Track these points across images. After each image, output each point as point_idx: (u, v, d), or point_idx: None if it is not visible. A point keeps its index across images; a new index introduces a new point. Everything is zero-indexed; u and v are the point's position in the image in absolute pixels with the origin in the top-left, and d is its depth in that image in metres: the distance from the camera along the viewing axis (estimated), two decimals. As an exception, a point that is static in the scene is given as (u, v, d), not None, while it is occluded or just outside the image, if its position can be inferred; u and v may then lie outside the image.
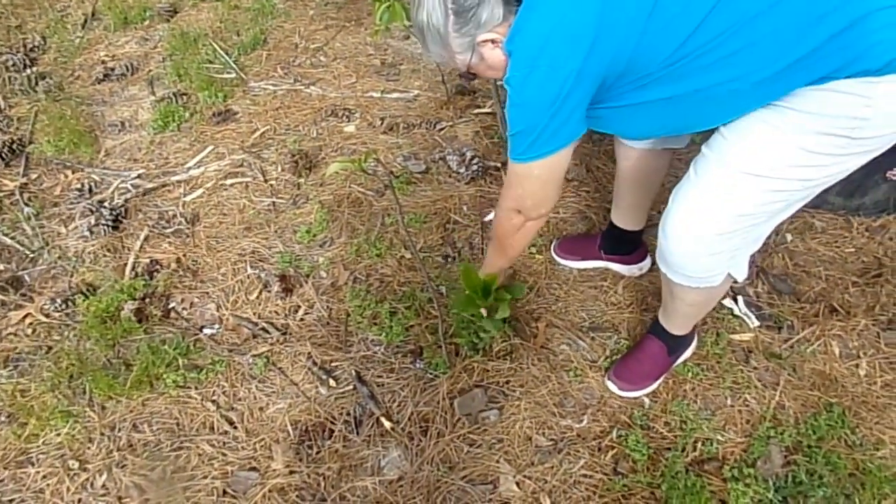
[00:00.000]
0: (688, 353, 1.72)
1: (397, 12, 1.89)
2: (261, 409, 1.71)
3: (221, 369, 1.79)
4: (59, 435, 1.67)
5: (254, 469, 1.60)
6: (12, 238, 2.19)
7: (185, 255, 2.12)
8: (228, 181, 2.37)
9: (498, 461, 1.58)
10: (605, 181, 2.27)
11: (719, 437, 1.59)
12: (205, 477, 1.58)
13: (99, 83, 2.89)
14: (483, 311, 1.55)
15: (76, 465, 1.62)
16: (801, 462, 1.53)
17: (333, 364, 1.80)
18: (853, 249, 2.01)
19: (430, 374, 1.75)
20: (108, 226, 2.19)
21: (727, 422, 1.63)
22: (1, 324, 1.94)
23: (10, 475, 1.61)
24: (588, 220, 2.15)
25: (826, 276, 1.94)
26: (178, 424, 1.69)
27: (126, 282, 2.01)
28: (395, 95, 2.71)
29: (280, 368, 1.80)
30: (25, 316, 1.95)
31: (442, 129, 2.53)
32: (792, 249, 2.01)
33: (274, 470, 1.59)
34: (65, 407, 1.72)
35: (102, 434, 1.67)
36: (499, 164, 2.36)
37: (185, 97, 2.75)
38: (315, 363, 1.80)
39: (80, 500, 1.56)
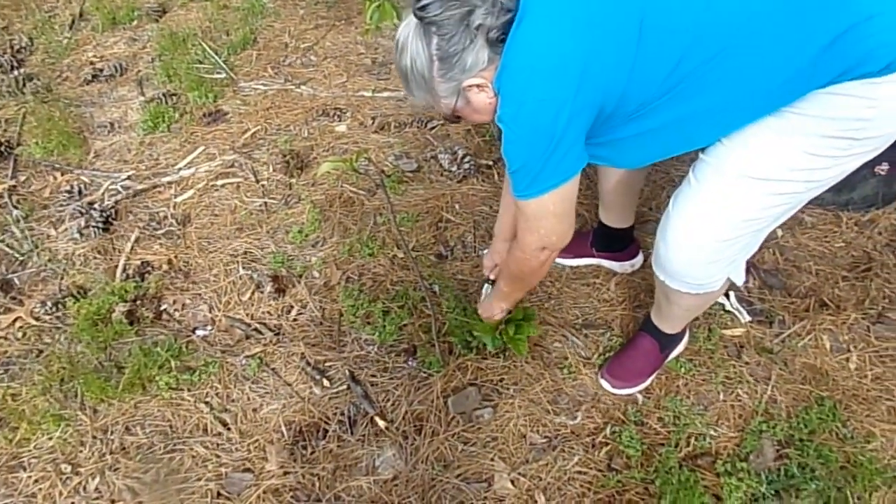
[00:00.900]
0: (680, 349, 1.73)
1: (387, 11, 1.88)
2: (254, 410, 1.71)
3: (214, 371, 1.78)
4: (50, 439, 1.66)
5: (248, 470, 1.59)
6: (1, 241, 2.18)
7: (176, 257, 2.11)
8: (219, 182, 2.36)
9: (492, 459, 1.58)
10: (596, 178, 2.27)
11: (712, 432, 1.60)
12: (199, 479, 1.58)
13: (87, 84, 2.87)
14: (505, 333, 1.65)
15: (68, 468, 1.61)
16: (793, 455, 1.54)
17: (327, 364, 1.80)
18: (843, 244, 2.03)
19: (424, 372, 1.75)
20: (98, 228, 2.17)
21: (720, 417, 1.64)
22: (-9, 327, 1.93)
23: (1, 480, 1.59)
24: (580, 218, 2.15)
25: (816, 271, 1.95)
26: (171, 427, 1.68)
27: (117, 284, 2.00)
28: (386, 94, 2.71)
29: (273, 369, 1.79)
30: (15, 319, 1.94)
31: (433, 127, 2.53)
32: (782, 245, 2.02)
33: (268, 471, 1.58)
34: (56, 410, 1.71)
35: (95, 437, 1.66)
36: (490, 163, 2.36)
37: (174, 98, 2.74)
38: (308, 363, 1.79)
39: (72, 504, 1.55)
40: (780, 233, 2.04)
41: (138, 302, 1.95)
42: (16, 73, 2.89)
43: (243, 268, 2.05)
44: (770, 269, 1.96)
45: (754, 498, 1.48)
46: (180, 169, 2.43)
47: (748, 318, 1.83)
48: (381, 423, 1.65)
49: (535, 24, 1.10)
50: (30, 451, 1.65)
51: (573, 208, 1.29)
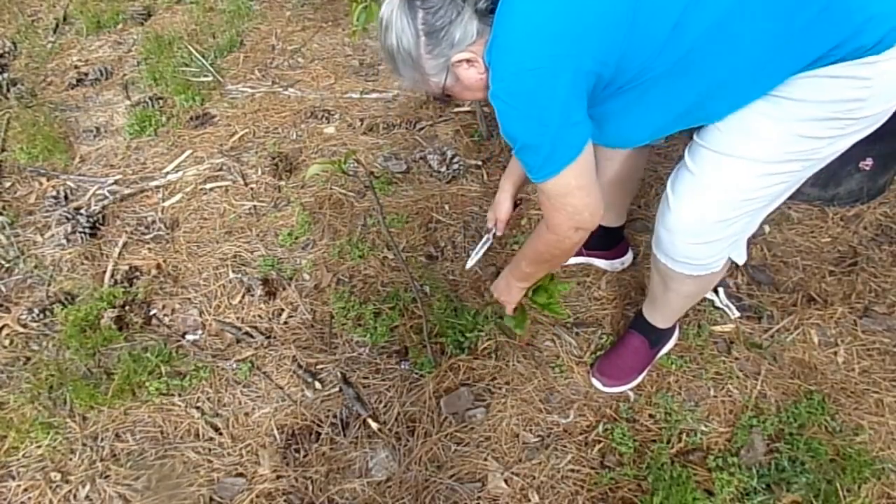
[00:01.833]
0: (670, 345, 1.74)
1: (374, 13, 1.88)
2: (246, 414, 1.70)
3: (205, 375, 1.77)
4: (39, 447, 1.64)
5: (240, 475, 1.58)
6: (-13, 248, 2.15)
7: (165, 261, 2.09)
8: (208, 185, 2.35)
9: (486, 459, 1.58)
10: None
11: (703, 428, 1.61)
12: (191, 485, 1.57)
13: (72, 88, 2.85)
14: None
15: (58, 477, 1.59)
16: (783, 449, 1.55)
17: (318, 367, 1.80)
18: (829, 239, 2.05)
19: (416, 373, 1.75)
20: (85, 233, 2.15)
21: (710, 412, 1.65)
22: (-23, 336, 1.91)
23: (-10, 489, 1.58)
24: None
25: (803, 266, 1.97)
26: (161, 432, 1.67)
27: (105, 289, 1.99)
28: (374, 96, 2.70)
29: (265, 373, 1.78)
30: (2, 327, 1.92)
31: (422, 128, 2.53)
32: (769, 240, 2.04)
33: (261, 475, 1.58)
34: (45, 418, 1.69)
35: (84, 445, 1.65)
36: (479, 163, 2.36)
37: (161, 101, 2.72)
38: (300, 366, 1.79)
39: (63, 513, 1.54)
40: (767, 229, 2.06)
41: (127, 307, 1.94)
42: (-1, 78, 2.86)
43: (233, 271, 2.05)
44: (758, 264, 1.98)
45: (745, 492, 1.49)
46: (168, 173, 2.41)
47: (737, 314, 1.84)
48: (374, 425, 1.65)
49: None
50: (18, 459, 1.63)
51: (595, 177, 1.20)
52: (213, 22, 3.20)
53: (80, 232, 2.15)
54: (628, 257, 1.96)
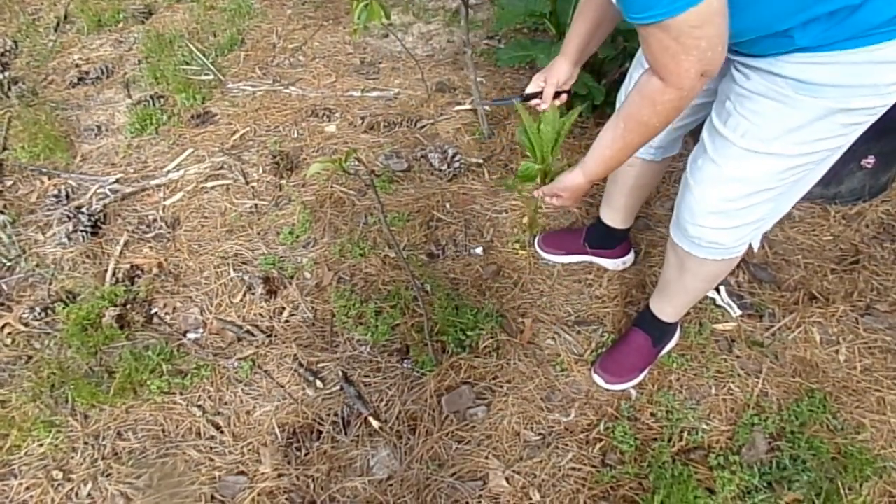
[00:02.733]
0: (671, 344, 1.74)
1: (375, 11, 1.88)
2: (247, 412, 1.70)
3: (206, 374, 1.77)
4: (41, 445, 1.64)
5: (242, 473, 1.59)
6: (-12, 247, 2.16)
7: (166, 260, 2.09)
8: (209, 184, 2.35)
9: (487, 457, 1.58)
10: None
11: (704, 426, 1.61)
12: (192, 483, 1.57)
13: (73, 87, 2.85)
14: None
15: (60, 475, 1.59)
16: (784, 448, 1.55)
17: (320, 365, 1.80)
18: (831, 237, 2.04)
19: (417, 372, 1.75)
20: (86, 232, 2.16)
21: (712, 410, 1.65)
22: (-21, 334, 1.91)
23: (-8, 488, 1.58)
24: (569, 214, 2.16)
25: (805, 264, 1.97)
26: (163, 431, 1.67)
27: (106, 288, 1.99)
28: (375, 94, 2.70)
29: (266, 371, 1.79)
30: (4, 326, 1.92)
31: (423, 126, 2.53)
32: (771, 238, 2.04)
33: (262, 473, 1.58)
34: (47, 417, 1.69)
35: (86, 443, 1.65)
36: (480, 161, 2.36)
37: (162, 100, 2.72)
38: (301, 365, 1.79)
39: (65, 511, 1.54)
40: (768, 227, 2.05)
41: (128, 306, 1.94)
42: (0, 76, 2.86)
43: (234, 270, 2.05)
44: (759, 263, 1.97)
45: (747, 490, 1.49)
46: (169, 171, 2.41)
47: (739, 313, 1.84)
48: (375, 424, 1.65)
49: None
50: (20, 458, 1.63)
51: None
52: (213, 20, 3.20)
53: (82, 231, 2.15)
54: (630, 257, 1.97)
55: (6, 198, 2.34)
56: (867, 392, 1.66)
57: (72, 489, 1.57)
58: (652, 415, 1.64)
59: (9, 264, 2.11)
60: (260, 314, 1.93)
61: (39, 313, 1.93)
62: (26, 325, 1.92)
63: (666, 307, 1.64)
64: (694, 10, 0.93)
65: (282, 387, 1.75)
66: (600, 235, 1.93)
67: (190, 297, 1.98)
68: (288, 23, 3.17)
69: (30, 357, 1.84)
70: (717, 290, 1.87)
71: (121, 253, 2.12)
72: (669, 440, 1.59)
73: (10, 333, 1.90)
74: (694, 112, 1.44)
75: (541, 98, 1.47)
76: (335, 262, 2.05)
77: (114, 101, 2.77)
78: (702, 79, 1.05)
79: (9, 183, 2.40)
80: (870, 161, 2.00)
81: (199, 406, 1.72)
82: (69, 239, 2.15)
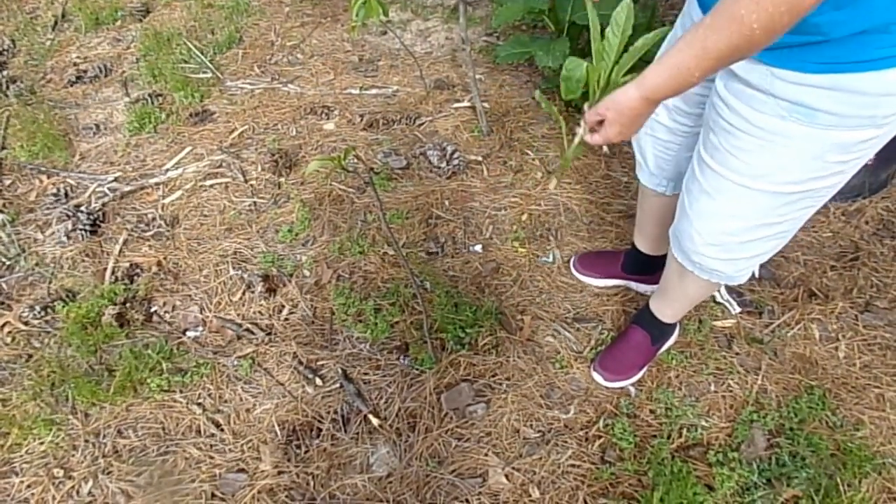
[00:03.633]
0: (670, 342, 1.74)
1: (373, 8, 1.88)
2: (247, 410, 1.71)
3: (206, 372, 1.78)
4: (42, 443, 1.65)
5: (242, 471, 1.59)
6: (-13, 245, 2.16)
7: (165, 258, 2.09)
8: (208, 182, 2.35)
9: (486, 454, 1.58)
10: (587, 172, 2.28)
11: (704, 423, 1.61)
12: (192, 480, 1.57)
13: (71, 86, 2.84)
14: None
15: (61, 473, 1.60)
16: (783, 444, 1.55)
17: (319, 363, 1.80)
18: (830, 234, 2.04)
19: (417, 369, 1.75)
20: (85, 230, 2.16)
21: (711, 407, 1.65)
22: (-22, 333, 1.91)
23: (-7, 486, 1.58)
24: (570, 212, 2.16)
25: (804, 261, 1.97)
26: (163, 429, 1.68)
27: (106, 286, 1.99)
28: (373, 91, 2.70)
29: (266, 369, 1.79)
30: (4, 324, 1.92)
31: (422, 124, 2.52)
32: (770, 235, 2.04)
33: (262, 471, 1.58)
34: (47, 415, 1.70)
35: (87, 441, 1.65)
36: (479, 158, 2.36)
37: (160, 98, 2.72)
38: (301, 362, 1.79)
39: (65, 509, 1.54)
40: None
41: (128, 304, 1.94)
42: (-1, 75, 2.86)
43: (233, 268, 2.05)
44: (759, 259, 1.97)
45: (746, 487, 1.49)
46: (168, 170, 2.41)
47: (738, 310, 1.84)
48: (375, 421, 1.65)
49: None
50: (21, 456, 1.63)
51: None
52: (211, 18, 3.19)
53: (81, 229, 2.15)
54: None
55: (5, 197, 2.34)
56: (866, 389, 1.66)
57: (73, 487, 1.57)
58: (651, 411, 1.64)
59: (8, 263, 2.11)
60: (259, 312, 1.93)
61: (39, 312, 1.93)
62: (26, 323, 1.92)
63: (665, 309, 1.64)
64: None
65: (281, 384, 1.75)
66: (637, 262, 1.86)
67: (189, 296, 1.98)
68: (286, 20, 3.16)
69: (30, 356, 1.84)
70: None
71: (120, 251, 2.12)
72: (669, 437, 1.59)
73: (10, 332, 1.90)
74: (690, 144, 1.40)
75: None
76: (334, 259, 2.05)
77: (112, 99, 2.76)
78: None
79: (7, 182, 2.40)
80: (869, 158, 1.99)
81: (199, 404, 1.72)
82: (68, 237, 2.15)
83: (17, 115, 2.65)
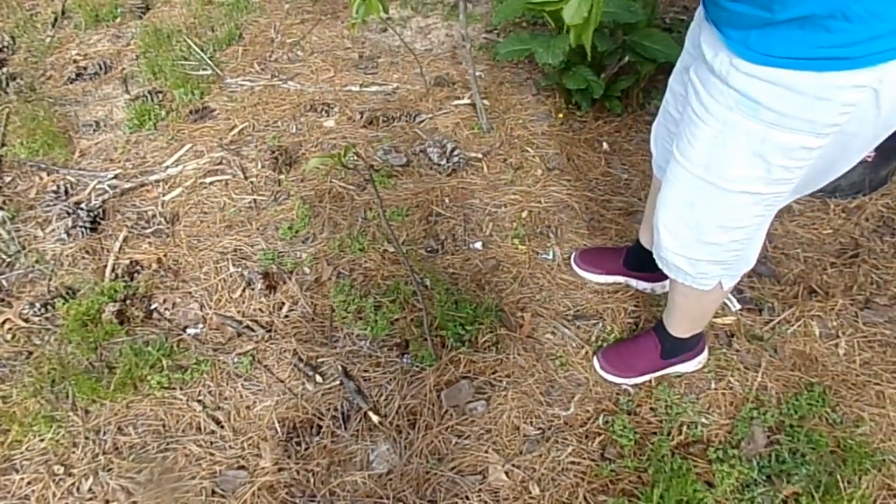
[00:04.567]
0: (688, 366, 1.68)
1: (373, 5, 1.87)
2: (247, 407, 1.71)
3: (206, 369, 1.78)
4: (42, 440, 1.65)
5: (242, 468, 1.59)
6: (-13, 243, 2.16)
7: (165, 255, 2.09)
8: (208, 179, 2.35)
9: (486, 451, 1.58)
10: (586, 169, 2.28)
11: (704, 420, 1.61)
12: (193, 477, 1.57)
13: (71, 83, 2.84)
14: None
15: (61, 470, 1.60)
16: (783, 441, 1.55)
17: (319, 360, 1.80)
18: (830, 231, 2.04)
19: (417, 367, 1.75)
20: (85, 228, 2.16)
21: (711, 404, 1.65)
22: (-21, 330, 1.91)
23: (-7, 483, 1.59)
24: (570, 209, 2.16)
25: (804, 258, 1.96)
26: (163, 426, 1.68)
27: (106, 284, 1.99)
28: (373, 89, 2.69)
29: (266, 366, 1.79)
30: (4, 321, 1.92)
31: (422, 121, 2.52)
32: (771, 232, 2.03)
33: (262, 468, 1.58)
34: (48, 412, 1.70)
35: (87, 438, 1.66)
36: (479, 155, 2.36)
37: (160, 95, 2.72)
38: (301, 360, 1.79)
39: (66, 506, 1.54)
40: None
41: (128, 301, 1.94)
42: (-2, 72, 2.85)
43: (233, 265, 2.05)
44: (759, 257, 1.97)
45: (746, 484, 1.49)
46: (168, 167, 2.41)
47: (738, 307, 1.84)
48: (375, 418, 1.65)
49: None
50: (22, 453, 1.64)
51: None
52: (211, 15, 3.19)
53: (81, 226, 2.15)
54: (667, 282, 1.92)
55: (5, 194, 2.34)
56: (866, 386, 1.66)
57: (73, 484, 1.57)
58: (651, 409, 1.64)
59: (8, 260, 2.11)
60: (259, 309, 1.93)
61: (39, 309, 1.93)
62: (26, 320, 1.92)
63: (669, 319, 1.62)
64: None
65: (281, 382, 1.75)
66: (640, 259, 1.84)
67: (189, 293, 1.98)
68: (286, 17, 3.16)
69: (30, 353, 1.84)
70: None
71: (120, 248, 2.12)
72: (668, 434, 1.59)
73: (10, 329, 1.91)
74: None
75: None
76: (334, 257, 2.05)
77: (112, 96, 2.76)
78: None
79: (8, 179, 2.40)
80: (870, 154, 1.99)
81: (199, 401, 1.72)
82: (68, 235, 2.15)
83: (16, 112, 2.65)
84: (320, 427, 1.65)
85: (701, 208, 1.22)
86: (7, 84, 2.79)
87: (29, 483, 1.58)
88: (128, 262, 2.08)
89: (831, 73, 0.94)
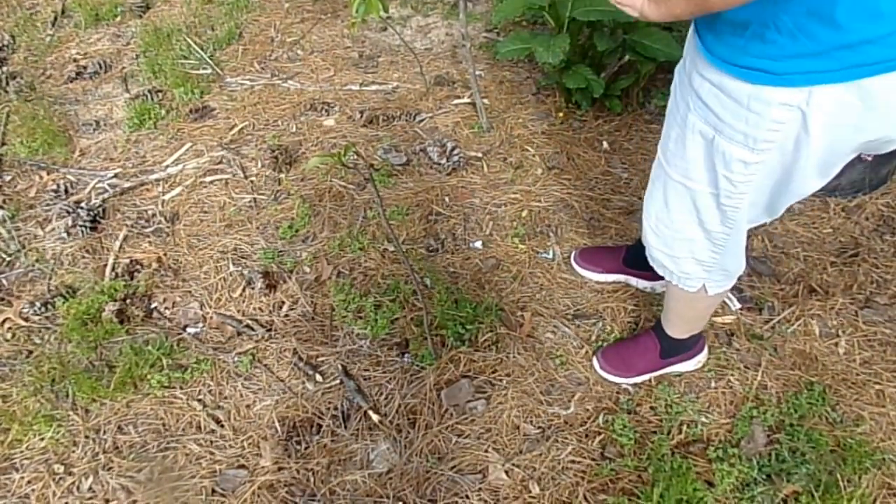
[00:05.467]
0: (686, 366, 1.68)
1: (373, 4, 1.87)
2: (247, 406, 1.71)
3: (206, 368, 1.78)
4: (42, 440, 1.65)
5: (242, 467, 1.59)
6: (-13, 242, 2.16)
7: (165, 255, 2.09)
8: (208, 178, 2.34)
9: (486, 451, 1.58)
10: (586, 168, 2.28)
11: (704, 419, 1.61)
12: (193, 476, 1.57)
13: (71, 82, 2.84)
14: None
15: (61, 469, 1.60)
16: (783, 440, 1.55)
17: (319, 359, 1.80)
18: (830, 230, 2.04)
19: (417, 366, 1.75)
20: (85, 227, 2.16)
21: (711, 403, 1.65)
22: (-21, 329, 1.91)
23: (-7, 482, 1.59)
24: (570, 209, 2.15)
25: (804, 257, 1.96)
26: (164, 425, 1.68)
27: (106, 283, 1.99)
28: (373, 88, 2.69)
29: (266, 365, 1.79)
30: (4, 320, 1.92)
31: (422, 120, 2.52)
32: (771, 231, 2.03)
33: (262, 467, 1.58)
34: (48, 411, 1.70)
35: (87, 437, 1.66)
36: (479, 155, 2.35)
37: (160, 94, 2.71)
38: (301, 359, 1.79)
39: (66, 505, 1.55)
40: (768, 219, 2.05)
41: (128, 301, 1.94)
42: (-2, 71, 2.85)
43: (233, 264, 2.05)
44: (759, 256, 1.97)
45: (746, 483, 1.49)
46: (168, 166, 2.41)
47: (738, 306, 1.84)
48: (375, 417, 1.65)
49: None
50: (22, 452, 1.64)
51: None
52: (211, 14, 3.19)
53: (81, 225, 2.15)
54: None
55: (5, 193, 2.34)
56: (866, 385, 1.66)
57: (73, 483, 1.57)
58: (651, 408, 1.64)
59: (9, 259, 2.11)
60: (259, 308, 1.93)
61: (39, 308, 1.93)
62: (26, 319, 1.92)
63: (665, 319, 1.63)
64: None
65: (281, 381, 1.75)
66: (640, 255, 1.84)
67: (189, 292, 1.98)
68: (286, 16, 3.15)
69: (30, 352, 1.84)
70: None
71: (120, 248, 2.12)
72: (668, 433, 1.59)
73: (10, 328, 1.91)
74: None
75: None
76: (334, 256, 2.05)
77: (112, 95, 2.76)
78: None
79: (8, 178, 2.40)
80: (869, 154, 1.99)
81: (199, 400, 1.72)
82: (68, 234, 2.15)
83: (16, 111, 2.65)
84: (320, 426, 1.65)
85: (674, 206, 1.26)
86: (7, 83, 2.79)
87: (29, 482, 1.58)
88: (128, 261, 2.08)
89: (762, 86, 0.95)
